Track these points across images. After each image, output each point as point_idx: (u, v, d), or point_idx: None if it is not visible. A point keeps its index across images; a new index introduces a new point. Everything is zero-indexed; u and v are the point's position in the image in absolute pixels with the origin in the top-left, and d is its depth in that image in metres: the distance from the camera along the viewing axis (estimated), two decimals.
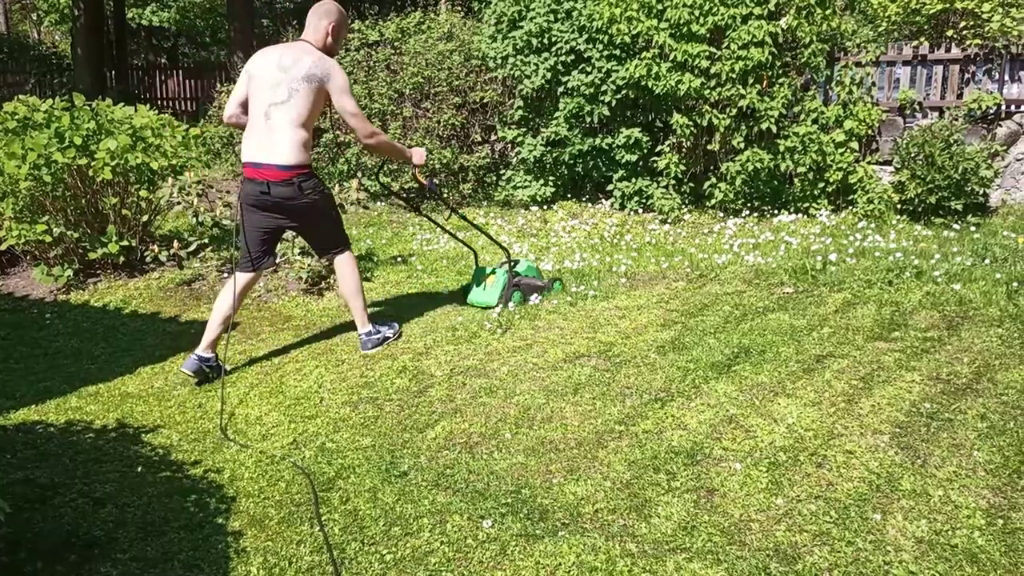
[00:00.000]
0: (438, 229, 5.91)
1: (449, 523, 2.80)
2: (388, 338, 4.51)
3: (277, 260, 4.63)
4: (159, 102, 14.25)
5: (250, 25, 13.56)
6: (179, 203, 5.80)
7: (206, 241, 6.08)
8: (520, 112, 7.82)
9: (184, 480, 3.17)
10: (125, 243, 6.11)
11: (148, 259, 6.05)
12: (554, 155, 7.64)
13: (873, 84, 7.55)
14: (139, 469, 3.26)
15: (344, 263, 4.42)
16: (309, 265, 5.48)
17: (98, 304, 5.68)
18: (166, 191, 5.78)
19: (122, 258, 6.16)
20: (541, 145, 7.60)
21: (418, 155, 4.54)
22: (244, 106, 4.19)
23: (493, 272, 5.05)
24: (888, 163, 7.43)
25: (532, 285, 5.09)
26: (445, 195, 6.00)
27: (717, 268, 5.61)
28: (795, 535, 2.65)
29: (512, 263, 5.07)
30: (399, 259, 6.38)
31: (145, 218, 6.21)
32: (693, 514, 2.79)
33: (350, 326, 4.92)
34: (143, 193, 6.09)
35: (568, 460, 3.19)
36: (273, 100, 4.01)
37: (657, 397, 3.65)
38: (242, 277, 4.32)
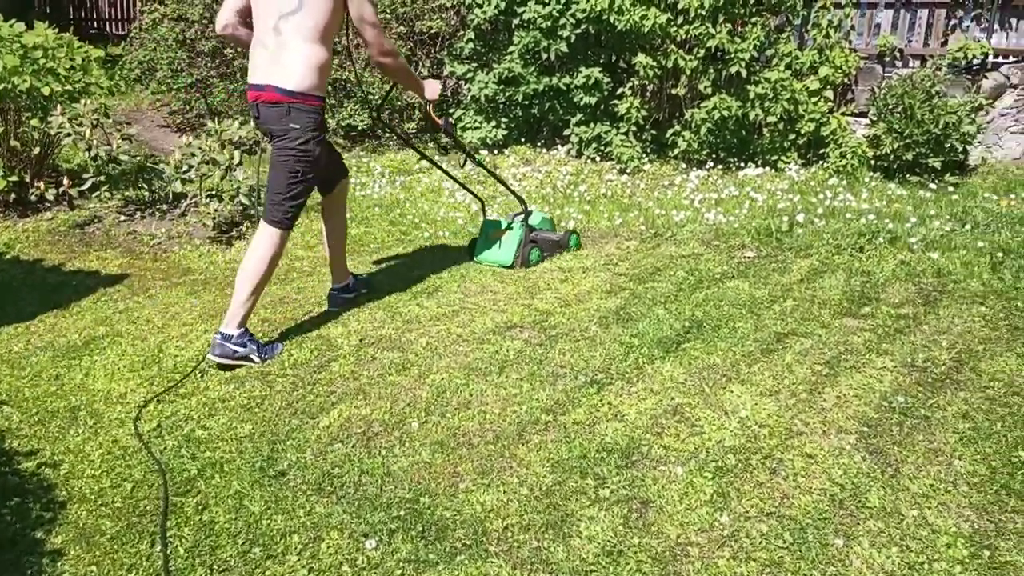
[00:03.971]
0: (428, 164, 4.95)
1: (324, 542, 2.29)
2: (250, 361, 3.36)
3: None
4: (94, 24, 13.17)
5: None
6: (69, 134, 5.09)
7: (103, 179, 5.38)
8: (471, 45, 7.13)
9: (9, 477, 2.60)
10: (15, 178, 5.41)
11: (32, 198, 5.35)
12: (507, 94, 6.99)
13: (852, 28, 6.98)
14: None
15: (264, 238, 3.39)
16: (216, 209, 4.84)
17: None
18: (55, 120, 5.07)
19: (12, 195, 5.46)
20: (493, 83, 6.94)
21: (431, 89, 3.82)
22: (242, 14, 3.46)
23: (509, 227, 4.46)
24: (864, 115, 6.91)
25: (549, 240, 4.56)
26: (460, 136, 5.25)
27: (674, 226, 5.08)
28: (741, 564, 2.18)
29: (526, 214, 4.50)
30: None
31: (37, 150, 5.48)
32: (621, 534, 2.31)
33: None
34: (34, 122, 5.36)
35: (481, 459, 2.68)
36: (282, 10, 3.26)
37: (593, 379, 3.14)
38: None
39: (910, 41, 7.08)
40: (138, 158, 5.42)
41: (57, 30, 5.73)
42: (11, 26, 5.46)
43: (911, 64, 7.04)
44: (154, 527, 2.34)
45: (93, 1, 12.95)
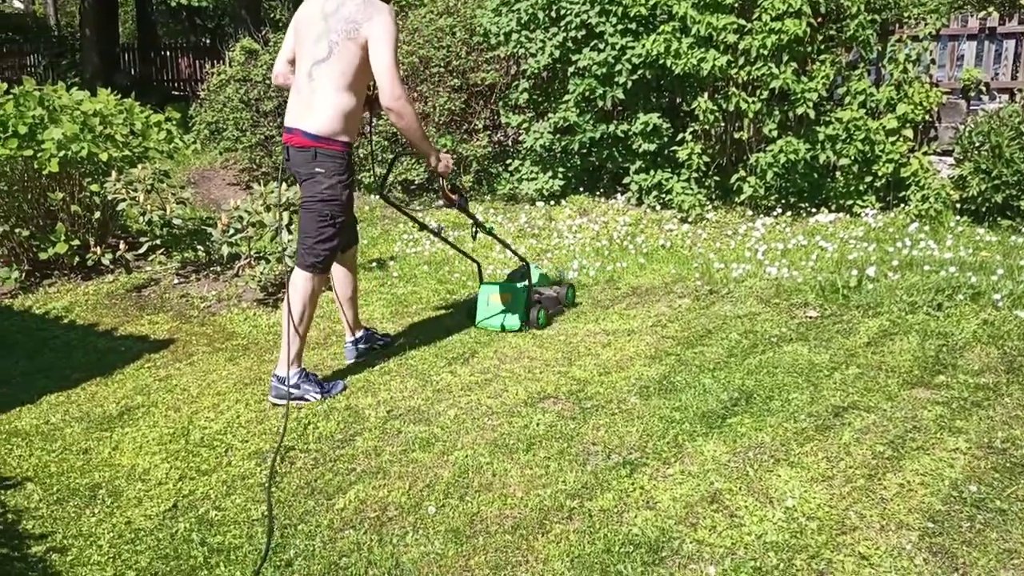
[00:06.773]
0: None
1: None
2: (306, 400, 3.50)
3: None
4: (176, 84, 13.81)
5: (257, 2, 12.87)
6: (124, 199, 5.21)
7: (158, 243, 5.48)
8: (525, 95, 7.04)
9: (15, 564, 2.54)
10: (77, 242, 5.57)
11: (89, 263, 5.47)
12: (563, 143, 6.86)
13: (932, 62, 6.56)
14: None
15: (299, 282, 3.47)
16: (261, 272, 4.83)
17: (40, 311, 5.14)
18: (109, 186, 5.20)
19: (76, 258, 5.62)
20: (548, 132, 6.82)
21: (444, 162, 3.69)
22: (292, 64, 3.60)
23: (509, 290, 4.25)
24: (948, 154, 6.46)
25: (549, 298, 4.44)
26: (473, 212, 4.96)
27: (732, 282, 4.79)
28: None
29: (527, 275, 4.31)
30: (376, 263, 5.70)
31: (97, 215, 5.64)
32: None
33: None
34: (94, 188, 5.52)
35: (496, 551, 2.48)
36: (315, 57, 3.38)
37: (627, 459, 2.91)
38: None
39: (997, 74, 6.61)
40: (192, 221, 5.51)
41: (134, 94, 5.95)
42: (71, 93, 5.68)
43: (999, 98, 6.57)
44: None
45: (175, 63, 13.56)
